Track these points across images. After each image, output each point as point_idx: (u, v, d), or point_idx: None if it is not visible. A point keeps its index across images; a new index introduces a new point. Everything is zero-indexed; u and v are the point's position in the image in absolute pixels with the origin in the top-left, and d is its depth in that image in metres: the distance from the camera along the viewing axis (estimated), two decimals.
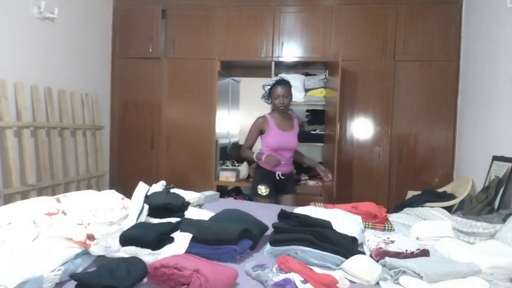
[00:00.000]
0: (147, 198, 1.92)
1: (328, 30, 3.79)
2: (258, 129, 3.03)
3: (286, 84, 3.00)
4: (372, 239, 1.81)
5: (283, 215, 1.85)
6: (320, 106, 4.09)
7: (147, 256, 1.50)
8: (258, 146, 3.11)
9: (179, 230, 1.70)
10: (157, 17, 4.03)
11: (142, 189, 1.91)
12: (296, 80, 3.92)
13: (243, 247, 1.63)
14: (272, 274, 1.37)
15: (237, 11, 3.94)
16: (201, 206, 2.56)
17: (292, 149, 3.07)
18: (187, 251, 1.56)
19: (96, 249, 1.46)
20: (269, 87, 3.03)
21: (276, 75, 3.49)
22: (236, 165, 4.11)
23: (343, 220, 1.97)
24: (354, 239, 1.76)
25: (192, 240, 1.63)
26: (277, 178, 3.00)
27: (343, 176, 3.63)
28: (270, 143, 2.98)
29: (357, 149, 3.77)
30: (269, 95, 3.06)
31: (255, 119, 3.06)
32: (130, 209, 1.80)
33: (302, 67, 4.21)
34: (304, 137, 3.68)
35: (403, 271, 1.38)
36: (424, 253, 1.59)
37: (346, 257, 1.52)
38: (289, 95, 3.01)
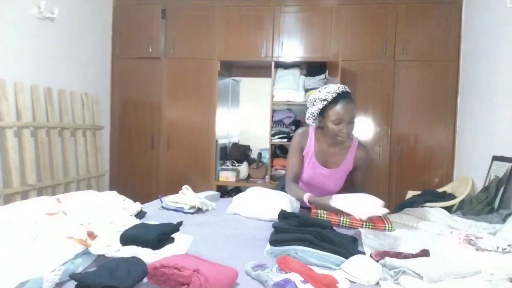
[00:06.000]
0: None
1: (328, 30, 3.79)
2: (299, 147, 2.09)
3: (351, 101, 1.94)
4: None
5: (283, 215, 1.84)
6: None
7: (147, 256, 1.50)
8: None
9: (179, 231, 1.70)
10: (157, 17, 4.03)
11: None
12: (296, 80, 3.91)
13: None
14: (272, 274, 1.37)
15: (237, 11, 3.94)
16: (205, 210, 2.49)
17: (328, 192, 2.04)
18: None
19: (96, 248, 1.46)
20: (325, 103, 1.92)
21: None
22: (236, 165, 4.11)
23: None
24: (354, 239, 1.76)
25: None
26: None
27: None
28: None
29: None
30: (321, 114, 1.99)
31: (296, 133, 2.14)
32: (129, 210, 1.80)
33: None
34: None
35: (403, 271, 1.38)
36: (424, 253, 1.58)
37: (346, 257, 1.52)
38: (354, 118, 1.94)
